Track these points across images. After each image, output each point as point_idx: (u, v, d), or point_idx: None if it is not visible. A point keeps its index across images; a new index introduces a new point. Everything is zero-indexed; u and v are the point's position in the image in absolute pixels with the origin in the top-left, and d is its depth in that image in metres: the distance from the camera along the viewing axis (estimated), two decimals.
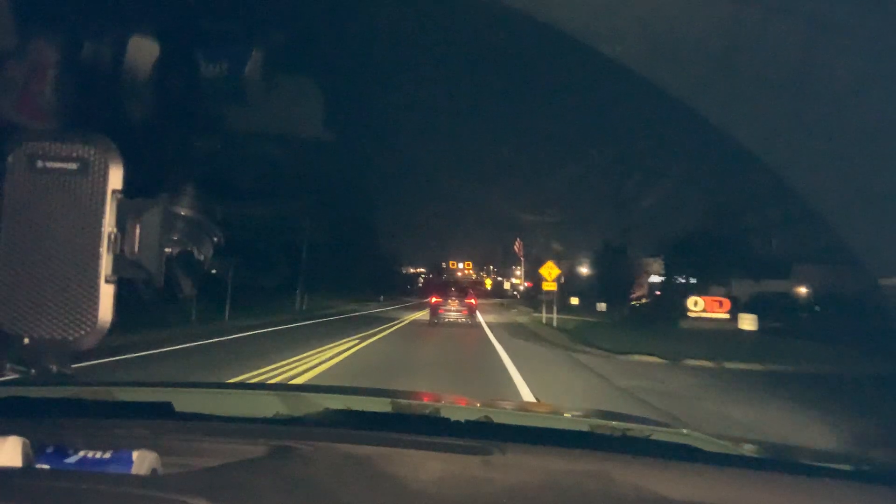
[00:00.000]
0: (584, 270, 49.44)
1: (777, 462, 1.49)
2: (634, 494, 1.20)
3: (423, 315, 28.93)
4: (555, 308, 24.99)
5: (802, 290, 32.01)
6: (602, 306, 38.97)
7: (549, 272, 24.73)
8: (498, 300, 72.71)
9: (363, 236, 55.11)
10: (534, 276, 76.92)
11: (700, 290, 32.25)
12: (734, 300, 26.85)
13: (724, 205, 28.96)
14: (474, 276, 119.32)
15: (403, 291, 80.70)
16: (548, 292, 24.77)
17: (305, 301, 33.15)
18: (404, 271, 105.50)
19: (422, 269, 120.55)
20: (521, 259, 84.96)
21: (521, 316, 33.84)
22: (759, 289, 31.31)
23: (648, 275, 43.80)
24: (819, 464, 1.43)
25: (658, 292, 41.68)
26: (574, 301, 39.56)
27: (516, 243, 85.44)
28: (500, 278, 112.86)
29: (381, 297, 58.84)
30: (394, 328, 20.85)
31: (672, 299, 33.22)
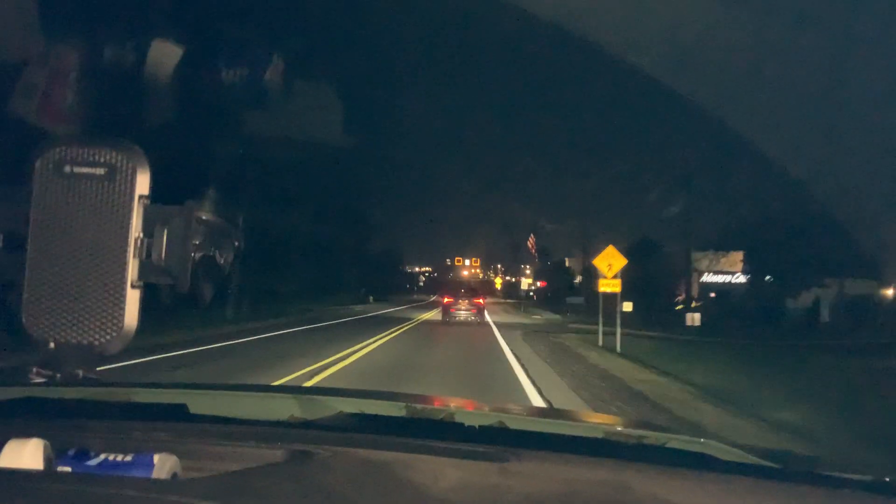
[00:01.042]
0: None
1: (796, 472, 1.48)
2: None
3: (422, 322, 26.32)
4: (618, 321, 16.03)
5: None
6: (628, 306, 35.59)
7: (609, 263, 15.74)
8: (512, 301, 68.62)
9: (358, 233, 54.39)
10: (547, 276, 71.17)
11: (786, 291, 26.93)
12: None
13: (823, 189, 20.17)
14: (481, 276, 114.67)
15: (404, 290, 79.77)
16: (607, 295, 16.31)
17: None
18: (408, 270, 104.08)
19: (427, 269, 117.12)
20: (534, 255, 79.79)
21: (561, 335, 21.84)
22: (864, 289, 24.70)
23: (699, 273, 37.30)
24: (840, 474, 1.42)
25: (713, 294, 37.04)
26: (627, 307, 24.79)
27: (530, 240, 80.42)
28: (510, 277, 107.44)
29: (371, 297, 53.29)
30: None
31: (745, 302, 27.97)
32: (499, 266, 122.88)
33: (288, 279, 32.95)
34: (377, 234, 64.53)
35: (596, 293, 18.25)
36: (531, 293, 77.61)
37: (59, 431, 1.08)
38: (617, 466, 1.37)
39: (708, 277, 38.72)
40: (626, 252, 16.80)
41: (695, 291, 36.83)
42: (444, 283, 62.18)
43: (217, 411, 1.61)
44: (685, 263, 32.92)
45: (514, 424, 1.63)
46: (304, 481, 1.13)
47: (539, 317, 36.41)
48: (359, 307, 41.58)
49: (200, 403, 1.65)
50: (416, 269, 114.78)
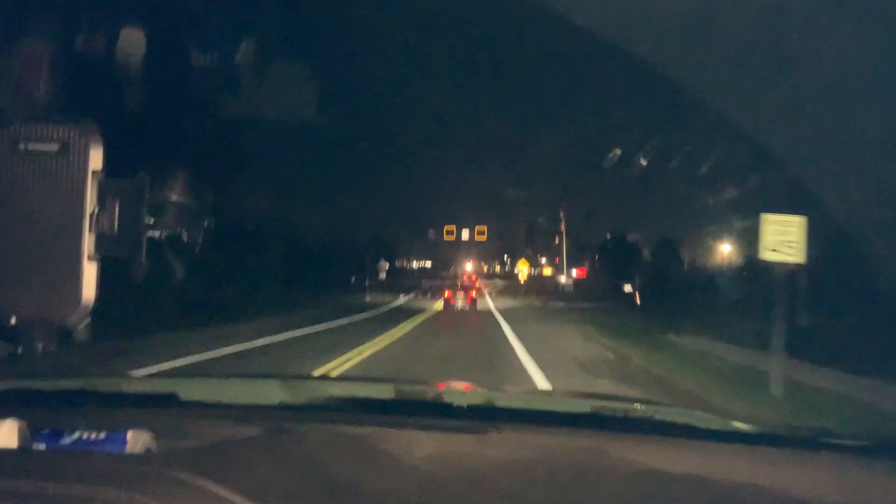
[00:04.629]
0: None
1: (776, 437, 1.54)
2: (626, 468, 1.25)
3: None
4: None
5: None
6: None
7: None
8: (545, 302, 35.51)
9: (348, 225, 49.48)
10: (581, 259, 50.15)
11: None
12: None
13: None
14: (486, 268, 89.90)
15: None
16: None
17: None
18: (405, 266, 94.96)
19: (427, 263, 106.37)
20: (563, 233, 53.85)
21: None
22: None
23: None
24: (820, 438, 1.48)
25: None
26: None
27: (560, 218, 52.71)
28: (539, 263, 64.33)
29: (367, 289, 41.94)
30: None
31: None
32: (504, 259, 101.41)
33: (276, 271, 30.92)
34: (369, 224, 59.43)
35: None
36: (563, 285, 51.14)
37: (36, 413, 1.13)
38: (596, 436, 1.43)
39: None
40: None
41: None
42: (446, 282, 53.20)
43: (206, 398, 1.66)
44: None
45: (502, 403, 1.66)
46: (276, 452, 1.17)
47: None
48: (368, 299, 37.91)
49: (190, 391, 1.69)
50: (415, 264, 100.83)
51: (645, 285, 33.79)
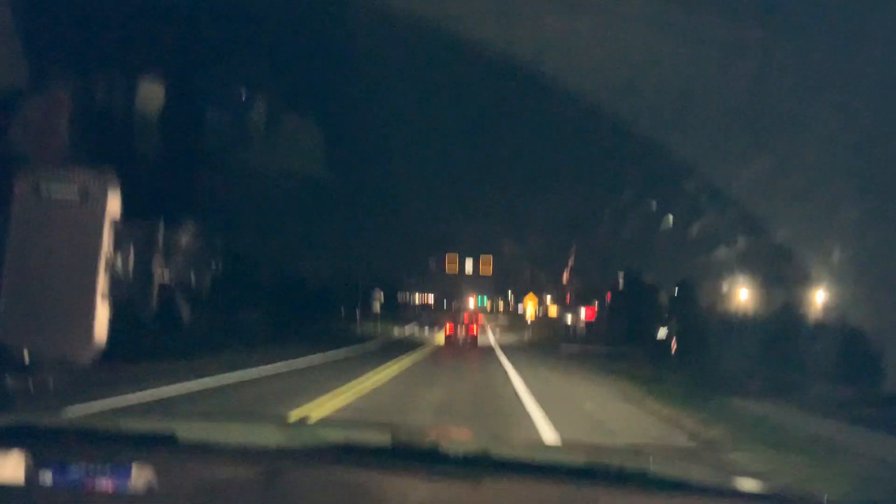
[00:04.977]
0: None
1: (773, 496, 1.56)
2: None
3: None
4: None
5: None
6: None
7: None
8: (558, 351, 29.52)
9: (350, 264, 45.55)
10: (589, 300, 43.22)
11: None
12: None
13: None
14: (490, 306, 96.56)
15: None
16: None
17: None
18: (407, 301, 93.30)
19: (429, 297, 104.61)
20: (570, 271, 48.20)
21: None
22: None
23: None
24: (818, 500, 1.52)
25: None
26: None
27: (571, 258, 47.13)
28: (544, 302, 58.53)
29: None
30: None
31: None
32: (509, 297, 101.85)
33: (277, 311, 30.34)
34: (370, 259, 58.59)
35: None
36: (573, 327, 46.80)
37: (42, 450, 1.17)
38: (590, 487, 1.45)
39: None
40: None
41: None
42: (447, 316, 53.48)
43: (204, 439, 1.69)
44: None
45: (498, 452, 1.67)
46: (272, 495, 1.23)
47: None
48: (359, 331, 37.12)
49: (188, 431, 1.72)
50: (417, 299, 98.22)
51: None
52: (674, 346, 24.36)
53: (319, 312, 38.55)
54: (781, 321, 19.87)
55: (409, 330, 46.11)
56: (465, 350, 27.92)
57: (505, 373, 16.02)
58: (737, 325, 24.21)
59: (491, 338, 37.83)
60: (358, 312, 40.21)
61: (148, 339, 11.17)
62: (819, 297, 18.87)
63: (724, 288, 29.32)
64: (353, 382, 11.40)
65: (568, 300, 48.36)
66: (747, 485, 1.62)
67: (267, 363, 14.16)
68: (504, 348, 27.71)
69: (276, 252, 32.01)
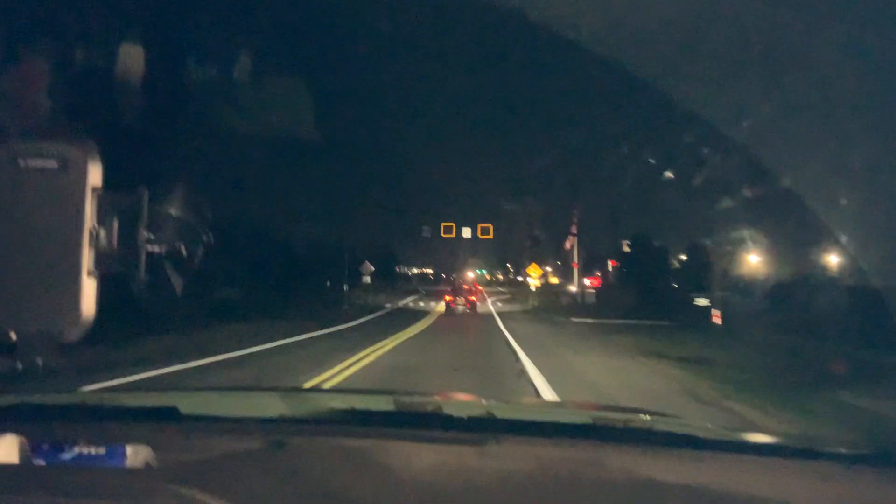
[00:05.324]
0: None
1: (773, 446, 1.59)
2: (625, 478, 1.27)
3: None
4: None
5: None
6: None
7: None
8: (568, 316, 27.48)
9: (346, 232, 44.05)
10: (594, 264, 41.46)
11: None
12: None
13: None
14: (490, 278, 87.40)
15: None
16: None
17: None
18: (405, 272, 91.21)
19: (427, 270, 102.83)
20: (573, 237, 42.01)
21: None
22: None
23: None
24: (818, 447, 1.51)
25: None
26: None
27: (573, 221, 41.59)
28: (544, 270, 54.26)
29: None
30: None
31: None
32: (508, 267, 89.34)
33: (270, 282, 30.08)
34: (366, 230, 55.97)
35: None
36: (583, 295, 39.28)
37: (37, 429, 1.16)
38: (595, 446, 1.46)
39: None
40: None
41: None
42: (447, 287, 46.16)
43: (206, 411, 1.69)
44: None
45: (502, 414, 1.67)
46: (275, 465, 1.21)
47: None
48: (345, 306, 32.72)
49: (190, 404, 1.71)
50: (414, 269, 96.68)
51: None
52: (717, 317, 19.63)
53: (310, 285, 36.11)
54: (856, 288, 16.50)
55: (407, 302, 43.76)
56: (467, 321, 25.61)
57: (517, 361, 11.81)
58: (794, 291, 20.74)
59: (492, 310, 33.79)
60: (345, 286, 36.27)
61: (133, 315, 10.08)
62: None
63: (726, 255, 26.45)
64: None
65: (576, 266, 42.39)
66: (755, 438, 1.65)
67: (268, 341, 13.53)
68: (509, 324, 22.64)
69: (262, 222, 31.22)
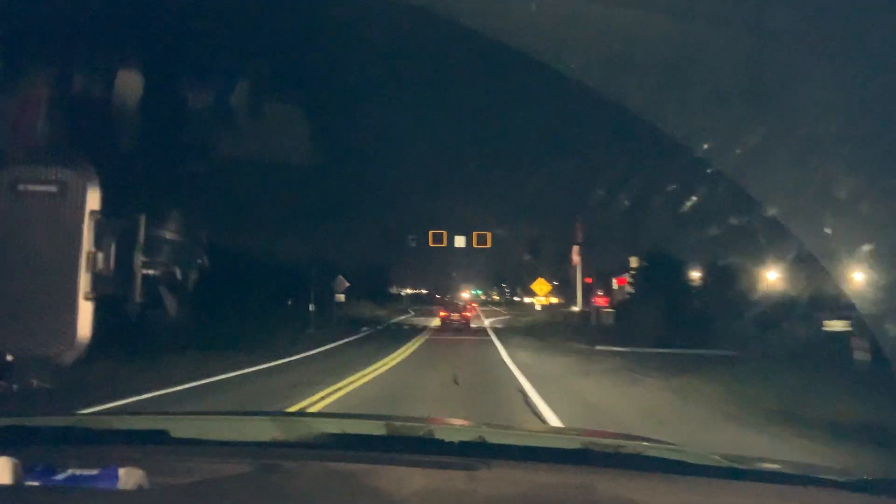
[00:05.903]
0: None
1: (768, 473, 1.56)
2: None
3: None
4: None
5: None
6: None
7: None
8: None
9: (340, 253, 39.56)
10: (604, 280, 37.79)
11: None
12: None
13: None
14: (484, 297, 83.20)
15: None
16: None
17: None
18: (398, 292, 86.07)
19: (422, 290, 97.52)
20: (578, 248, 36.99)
21: None
22: None
23: None
24: (810, 475, 1.50)
25: None
26: None
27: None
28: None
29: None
30: None
31: None
32: (503, 286, 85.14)
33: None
34: (363, 254, 52.14)
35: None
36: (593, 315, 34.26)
37: (30, 451, 1.16)
38: (586, 472, 1.45)
39: None
40: None
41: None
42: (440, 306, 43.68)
43: (198, 434, 1.69)
44: None
45: (494, 439, 1.68)
46: (266, 489, 1.20)
47: None
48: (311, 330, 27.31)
49: (181, 428, 1.72)
50: (408, 290, 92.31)
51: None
52: (864, 350, 12.88)
53: (273, 305, 30.18)
54: None
55: (391, 322, 39.25)
56: (459, 347, 20.84)
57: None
58: None
59: (495, 340, 24.56)
60: (311, 306, 29.77)
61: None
62: None
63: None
64: None
65: (589, 280, 35.83)
66: (749, 465, 1.62)
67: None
68: (522, 363, 14.69)
69: (251, 243, 27.58)
